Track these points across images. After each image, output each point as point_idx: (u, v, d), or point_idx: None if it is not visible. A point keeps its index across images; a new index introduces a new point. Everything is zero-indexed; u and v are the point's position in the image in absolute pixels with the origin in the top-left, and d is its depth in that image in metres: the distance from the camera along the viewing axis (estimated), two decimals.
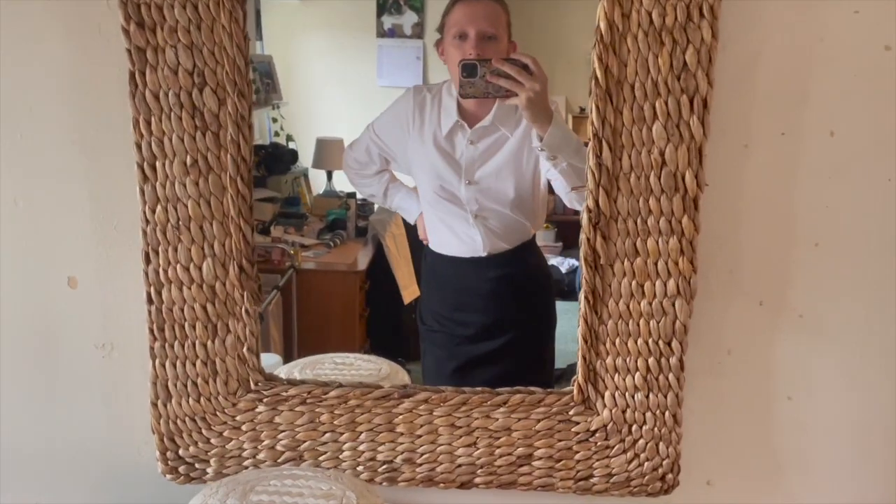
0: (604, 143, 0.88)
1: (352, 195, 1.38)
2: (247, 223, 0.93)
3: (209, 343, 0.96)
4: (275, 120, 1.33)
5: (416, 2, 1.31)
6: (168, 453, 0.99)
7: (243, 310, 0.95)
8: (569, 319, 1.51)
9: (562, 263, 1.51)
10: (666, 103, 0.87)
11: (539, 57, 1.01)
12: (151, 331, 0.95)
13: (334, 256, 1.37)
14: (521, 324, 1.25)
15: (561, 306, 1.51)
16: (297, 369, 1.18)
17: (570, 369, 1.45)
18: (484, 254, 1.18)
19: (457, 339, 1.25)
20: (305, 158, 1.37)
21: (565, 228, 1.48)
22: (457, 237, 1.20)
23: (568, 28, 1.43)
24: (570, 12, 1.43)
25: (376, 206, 1.37)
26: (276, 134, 1.35)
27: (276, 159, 1.36)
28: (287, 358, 1.21)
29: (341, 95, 1.37)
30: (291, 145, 1.36)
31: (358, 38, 1.35)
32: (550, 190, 1.16)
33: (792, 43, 0.89)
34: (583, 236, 0.92)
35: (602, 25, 0.85)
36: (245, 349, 0.96)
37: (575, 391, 0.97)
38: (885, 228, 0.93)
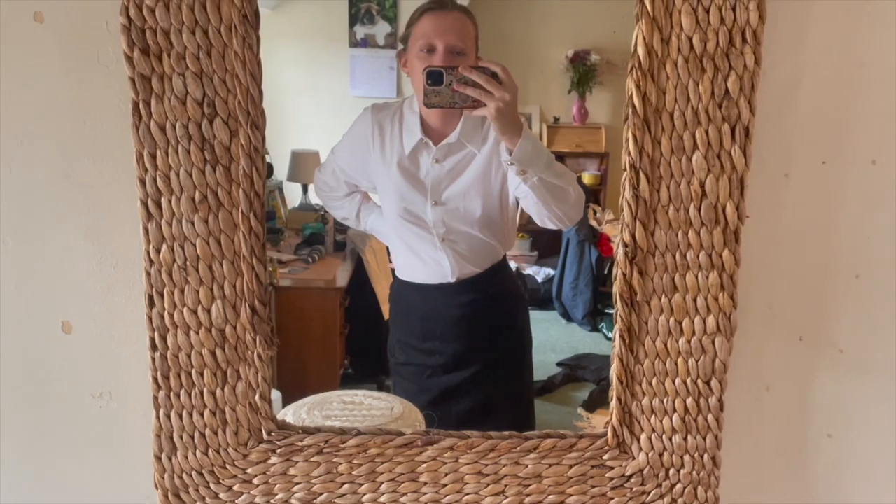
0: (641, 174, 0.84)
1: None
2: (260, 262, 0.86)
3: (218, 391, 0.89)
4: None
5: (389, 12, 1.28)
6: None
7: (255, 354, 0.89)
8: (546, 329, 1.49)
9: (538, 273, 1.48)
10: (706, 132, 0.82)
11: (510, 67, 0.96)
12: (155, 379, 0.88)
13: (313, 273, 1.33)
14: (495, 350, 1.20)
15: (538, 315, 1.48)
16: (305, 410, 1.11)
17: (551, 381, 1.43)
18: (452, 280, 1.13)
19: (427, 371, 1.19)
20: (280, 171, 1.33)
21: (541, 238, 1.45)
22: (423, 262, 1.14)
23: (540, 38, 1.40)
24: (542, 22, 1.41)
25: None
26: None
27: None
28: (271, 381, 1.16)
29: (314, 106, 1.34)
30: (265, 158, 1.32)
31: (330, 47, 1.32)
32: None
33: (833, 68, 0.85)
34: (618, 271, 0.87)
35: (640, 51, 0.80)
36: (257, 397, 0.90)
37: (609, 434, 0.91)
38: None
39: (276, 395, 1.13)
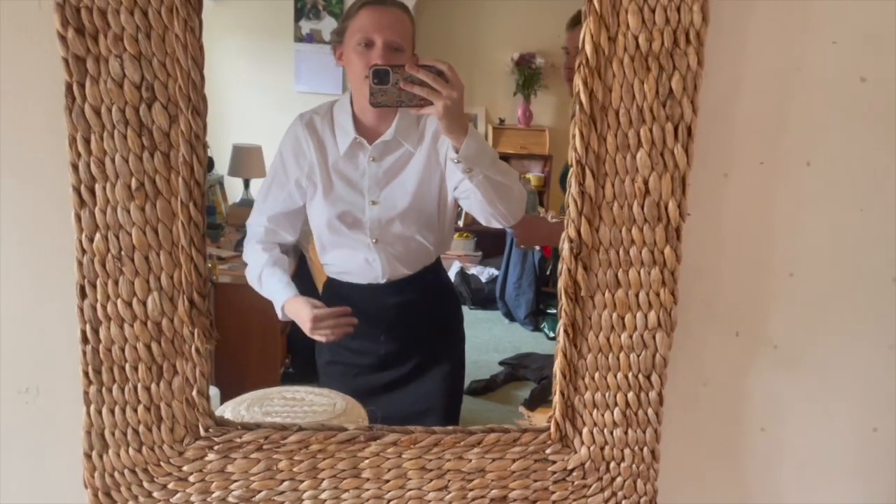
0: (587, 170, 0.84)
1: None
2: (199, 253, 0.84)
3: (153, 386, 0.86)
4: None
5: (335, 7, 1.27)
6: None
7: (193, 348, 0.86)
8: (489, 329, 1.50)
9: (482, 273, 1.49)
10: (651, 131, 0.84)
11: (457, 67, 0.96)
12: (86, 373, 0.84)
13: None
14: (425, 350, 1.20)
15: (481, 315, 1.49)
16: (244, 407, 1.09)
17: (493, 380, 1.43)
18: (383, 281, 1.12)
19: (354, 370, 1.19)
20: (221, 166, 1.30)
21: (485, 238, 1.47)
22: (355, 263, 1.13)
23: (486, 40, 1.42)
24: (488, 24, 1.42)
25: None
26: None
27: None
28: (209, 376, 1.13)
29: (258, 100, 1.32)
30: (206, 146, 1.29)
31: (275, 42, 1.31)
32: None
33: (771, 72, 0.88)
34: (563, 267, 0.88)
35: (588, 49, 0.81)
36: (195, 392, 0.87)
37: (552, 429, 0.92)
38: (858, 259, 0.93)
39: (214, 391, 1.10)
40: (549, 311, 1.48)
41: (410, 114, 1.08)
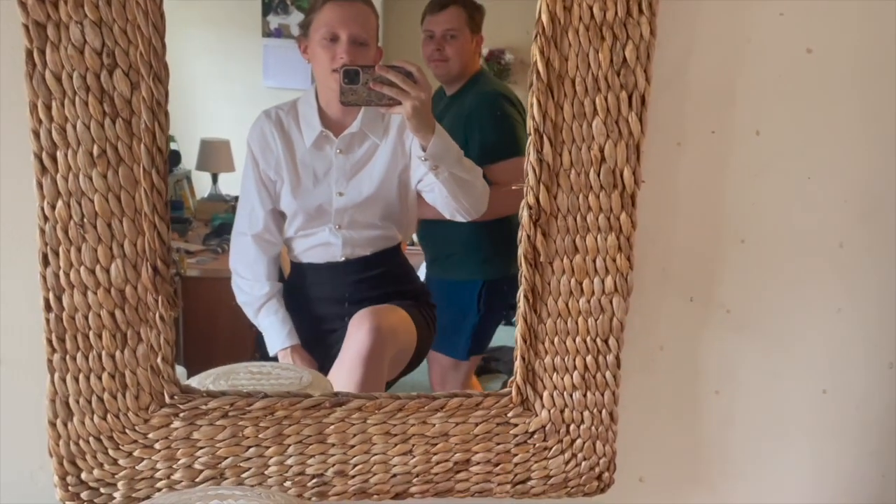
0: (545, 138, 0.87)
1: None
2: (162, 220, 0.84)
3: (118, 353, 0.86)
4: None
5: (303, 2, 1.27)
6: (69, 478, 0.88)
7: (157, 316, 0.87)
8: None
9: None
10: (605, 99, 0.86)
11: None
12: (50, 341, 0.84)
13: (222, 263, 1.29)
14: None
15: None
16: (211, 380, 1.09)
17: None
18: (341, 259, 1.15)
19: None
20: (189, 160, 1.29)
21: None
22: (316, 244, 1.15)
23: None
24: None
25: None
26: None
27: None
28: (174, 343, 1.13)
29: (225, 95, 1.31)
30: (173, 146, 1.28)
31: (242, 36, 1.30)
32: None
33: (721, 43, 0.91)
34: (522, 234, 0.90)
35: (544, 18, 0.83)
36: (159, 359, 0.88)
37: (514, 392, 0.94)
38: (806, 225, 0.97)
39: (180, 370, 1.10)
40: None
41: (390, 113, 1.10)
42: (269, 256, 1.19)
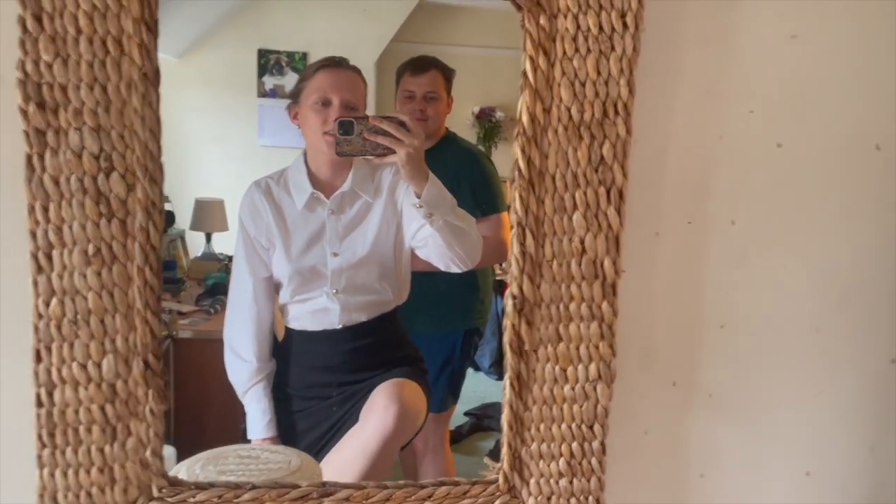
0: (527, 231, 0.90)
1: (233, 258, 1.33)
2: (154, 315, 0.86)
3: (107, 447, 0.87)
4: None
5: (298, 64, 1.31)
6: None
7: (147, 409, 0.88)
8: None
9: None
10: (585, 194, 0.89)
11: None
12: (40, 437, 0.85)
13: (215, 324, 1.30)
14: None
15: None
16: (199, 466, 1.09)
17: (458, 431, 1.44)
18: (339, 326, 1.16)
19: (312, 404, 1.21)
20: (183, 220, 1.31)
21: None
22: (314, 311, 1.17)
23: None
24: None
25: None
26: None
27: None
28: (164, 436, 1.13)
29: (221, 154, 1.34)
30: (167, 206, 1.30)
31: (238, 97, 1.34)
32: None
33: (695, 139, 0.95)
34: (507, 323, 0.92)
35: (524, 119, 0.87)
36: (148, 452, 0.88)
37: (501, 480, 0.95)
38: (783, 310, 0.99)
39: (170, 451, 1.10)
40: None
41: (366, 165, 1.13)
42: (260, 329, 1.20)
